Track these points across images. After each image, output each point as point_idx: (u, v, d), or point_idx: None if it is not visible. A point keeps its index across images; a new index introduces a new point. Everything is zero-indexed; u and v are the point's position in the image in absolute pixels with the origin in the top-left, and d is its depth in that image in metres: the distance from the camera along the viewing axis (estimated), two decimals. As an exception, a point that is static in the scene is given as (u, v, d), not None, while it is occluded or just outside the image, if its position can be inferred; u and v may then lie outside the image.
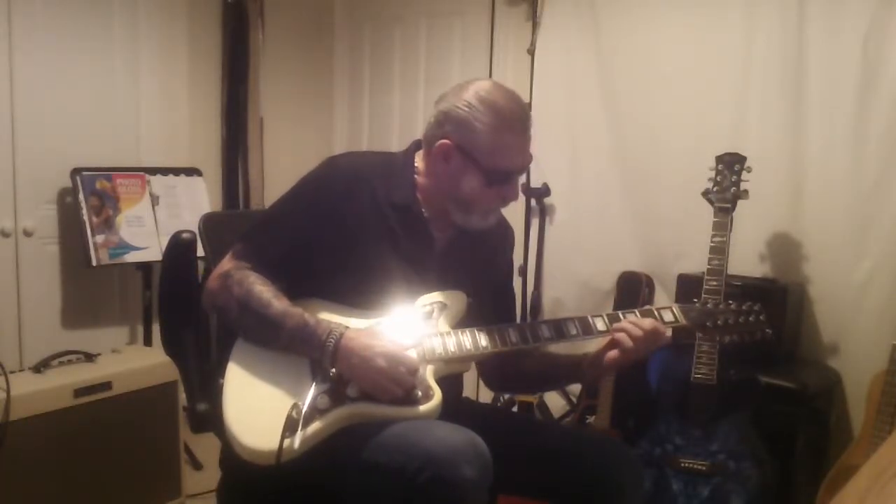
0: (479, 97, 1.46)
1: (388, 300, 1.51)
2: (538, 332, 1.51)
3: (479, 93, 1.47)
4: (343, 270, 1.51)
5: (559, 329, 1.51)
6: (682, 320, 1.55)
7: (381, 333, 1.45)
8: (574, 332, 1.51)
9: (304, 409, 1.34)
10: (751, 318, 1.58)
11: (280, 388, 1.40)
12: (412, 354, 1.42)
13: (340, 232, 1.50)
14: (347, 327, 1.42)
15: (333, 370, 1.40)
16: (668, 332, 1.51)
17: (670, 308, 1.55)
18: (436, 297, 1.53)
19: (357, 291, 1.50)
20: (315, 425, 1.34)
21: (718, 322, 1.58)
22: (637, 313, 1.52)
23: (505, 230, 1.74)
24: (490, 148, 1.46)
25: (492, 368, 1.71)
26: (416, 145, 1.61)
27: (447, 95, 1.51)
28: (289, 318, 1.43)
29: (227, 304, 1.49)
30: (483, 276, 1.64)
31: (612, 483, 1.46)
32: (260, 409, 1.37)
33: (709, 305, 1.60)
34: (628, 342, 1.46)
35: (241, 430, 1.36)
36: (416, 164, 1.58)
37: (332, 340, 1.39)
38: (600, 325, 1.51)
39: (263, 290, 1.46)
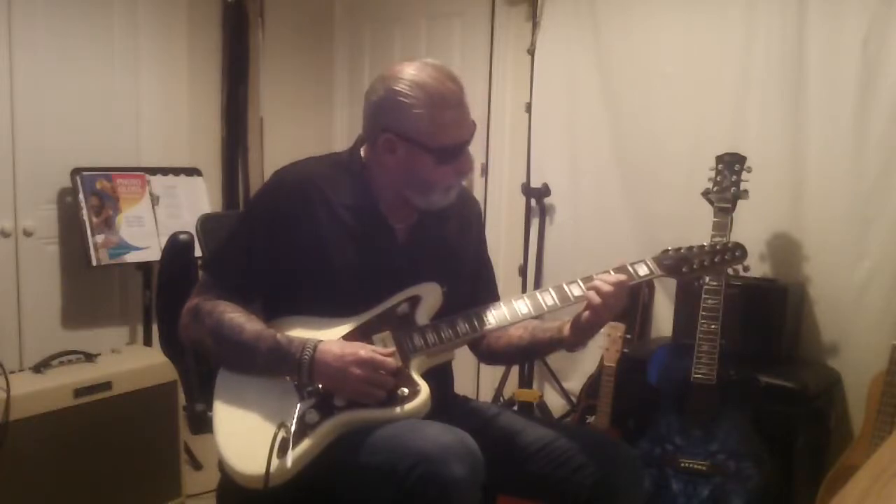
0: (407, 82, 1.45)
1: (362, 302, 1.50)
2: (516, 310, 1.51)
3: (406, 77, 1.45)
4: (310, 281, 1.50)
5: (537, 303, 1.51)
6: (658, 271, 1.55)
7: (354, 341, 1.44)
8: (551, 302, 1.50)
9: (293, 427, 1.34)
10: (727, 257, 1.57)
11: (267, 410, 1.40)
12: (392, 352, 1.42)
13: (299, 243, 1.49)
14: (321, 341, 1.41)
15: (319, 385, 1.39)
16: (627, 279, 1.49)
17: (644, 261, 1.55)
18: (409, 291, 1.52)
19: (328, 300, 1.50)
20: (306, 441, 1.34)
21: (694, 266, 1.56)
22: (611, 271, 1.52)
23: (468, 206, 1.72)
24: (432, 129, 1.45)
25: (484, 347, 1.70)
26: (361, 140, 1.59)
27: (376, 87, 1.50)
28: (262, 342, 1.42)
29: (201, 336, 1.49)
30: (454, 257, 1.63)
31: (611, 483, 1.46)
32: (249, 433, 1.37)
33: (682, 251, 1.57)
34: (596, 299, 1.45)
35: (233, 456, 1.36)
36: (363, 159, 1.57)
37: (307, 356, 1.39)
38: (576, 290, 1.51)
39: (234, 316, 1.46)
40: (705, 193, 2.33)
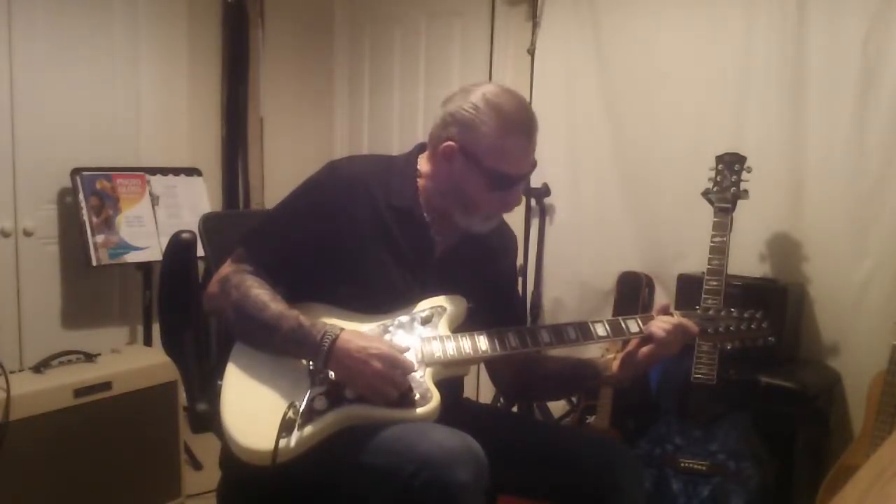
0: (485, 100, 1.46)
1: (387, 303, 1.51)
2: (538, 337, 1.51)
3: (486, 96, 1.46)
4: (342, 274, 1.51)
5: (559, 333, 1.51)
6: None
7: (377, 336, 1.45)
8: (574, 336, 1.51)
9: (301, 409, 1.34)
10: (752, 326, 1.59)
11: (278, 389, 1.40)
12: (409, 357, 1.42)
13: (339, 236, 1.50)
14: (343, 329, 1.41)
15: (332, 373, 1.39)
16: (696, 328, 1.53)
17: (672, 314, 1.55)
18: (436, 300, 1.53)
19: (356, 295, 1.51)
20: (312, 426, 1.34)
21: (720, 328, 1.58)
22: (639, 319, 1.53)
23: (507, 238, 1.73)
24: (493, 151, 1.45)
25: (510, 377, 1.70)
26: (420, 148, 1.61)
27: (454, 97, 1.50)
28: (284, 321, 1.42)
29: (225, 307, 1.49)
30: (484, 282, 1.63)
31: (611, 483, 1.46)
32: (257, 409, 1.37)
33: (710, 312, 1.60)
34: (661, 333, 1.48)
35: (239, 430, 1.36)
36: (418, 167, 1.58)
37: (327, 342, 1.38)
38: (600, 330, 1.52)
39: (260, 293, 1.46)
40: (705, 193, 2.34)
